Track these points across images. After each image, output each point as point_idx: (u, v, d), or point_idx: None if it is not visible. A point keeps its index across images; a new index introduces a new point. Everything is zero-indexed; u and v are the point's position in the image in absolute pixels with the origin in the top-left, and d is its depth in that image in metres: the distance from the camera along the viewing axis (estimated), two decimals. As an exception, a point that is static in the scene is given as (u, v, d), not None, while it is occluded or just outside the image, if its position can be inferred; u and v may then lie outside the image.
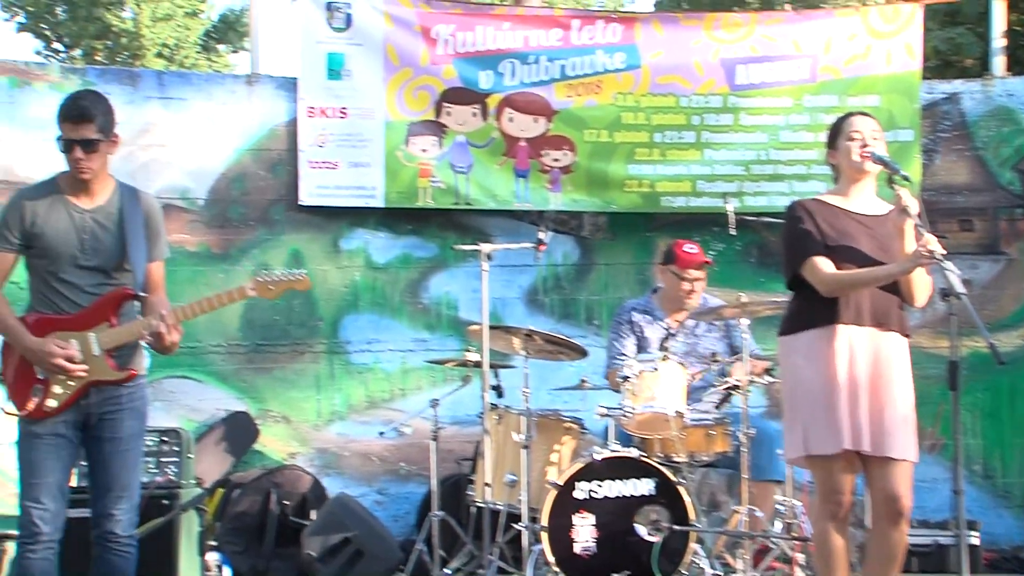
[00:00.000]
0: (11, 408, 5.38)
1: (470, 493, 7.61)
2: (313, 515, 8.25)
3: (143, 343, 5.49)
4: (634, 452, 7.03)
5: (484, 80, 9.25)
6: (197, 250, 9.04)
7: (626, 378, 7.13)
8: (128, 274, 5.46)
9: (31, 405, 5.31)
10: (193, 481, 7.74)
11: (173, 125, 9.01)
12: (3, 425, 5.51)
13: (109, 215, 5.47)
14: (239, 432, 8.90)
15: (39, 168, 8.43)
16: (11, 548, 6.96)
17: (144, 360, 5.58)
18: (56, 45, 29.26)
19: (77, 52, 28.48)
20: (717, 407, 7.36)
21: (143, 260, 5.46)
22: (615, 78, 9.33)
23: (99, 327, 5.38)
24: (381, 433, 8.72)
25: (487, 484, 7.26)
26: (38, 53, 29.26)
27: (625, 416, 7.08)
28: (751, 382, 7.19)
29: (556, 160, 9.31)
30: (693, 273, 7.84)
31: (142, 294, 5.45)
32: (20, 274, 5.55)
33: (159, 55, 27.40)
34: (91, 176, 5.42)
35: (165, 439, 7.61)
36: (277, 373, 9.15)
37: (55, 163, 8.34)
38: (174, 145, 9.02)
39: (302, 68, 9.17)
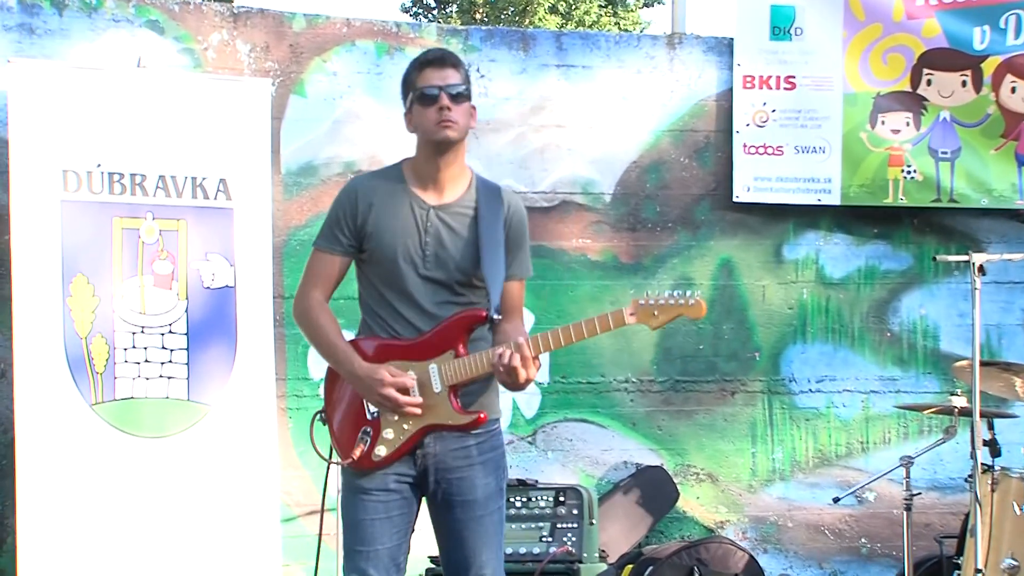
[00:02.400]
0: (334, 456, 5.46)
1: (955, 582, 7.56)
2: (748, 603, 8.35)
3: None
4: None
5: (978, 38, 9.17)
6: (601, 259, 9.20)
7: None
8: (478, 291, 5.46)
9: (357, 453, 5.37)
10: (596, 554, 7.93)
11: (574, 100, 9.20)
12: (322, 485, 5.63)
13: (460, 215, 5.47)
14: (653, 493, 8.99)
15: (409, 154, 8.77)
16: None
17: (498, 400, 5.58)
18: (428, 0, 30.42)
19: (452, 9, 29.52)
20: None
21: (500, 275, 5.43)
22: None
23: (442, 356, 5.39)
24: (836, 499, 8.54)
25: (979, 570, 7.15)
26: (405, 11, 30.51)
27: None
28: None
29: (1074, 144, 9.16)
30: None
31: (496, 316, 5.41)
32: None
33: (552, 11, 28.14)
34: (457, 136, 5.41)
35: (561, 499, 7.81)
36: (701, 418, 9.26)
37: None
38: (575, 125, 9.19)
39: (738, 25, 9.30)
